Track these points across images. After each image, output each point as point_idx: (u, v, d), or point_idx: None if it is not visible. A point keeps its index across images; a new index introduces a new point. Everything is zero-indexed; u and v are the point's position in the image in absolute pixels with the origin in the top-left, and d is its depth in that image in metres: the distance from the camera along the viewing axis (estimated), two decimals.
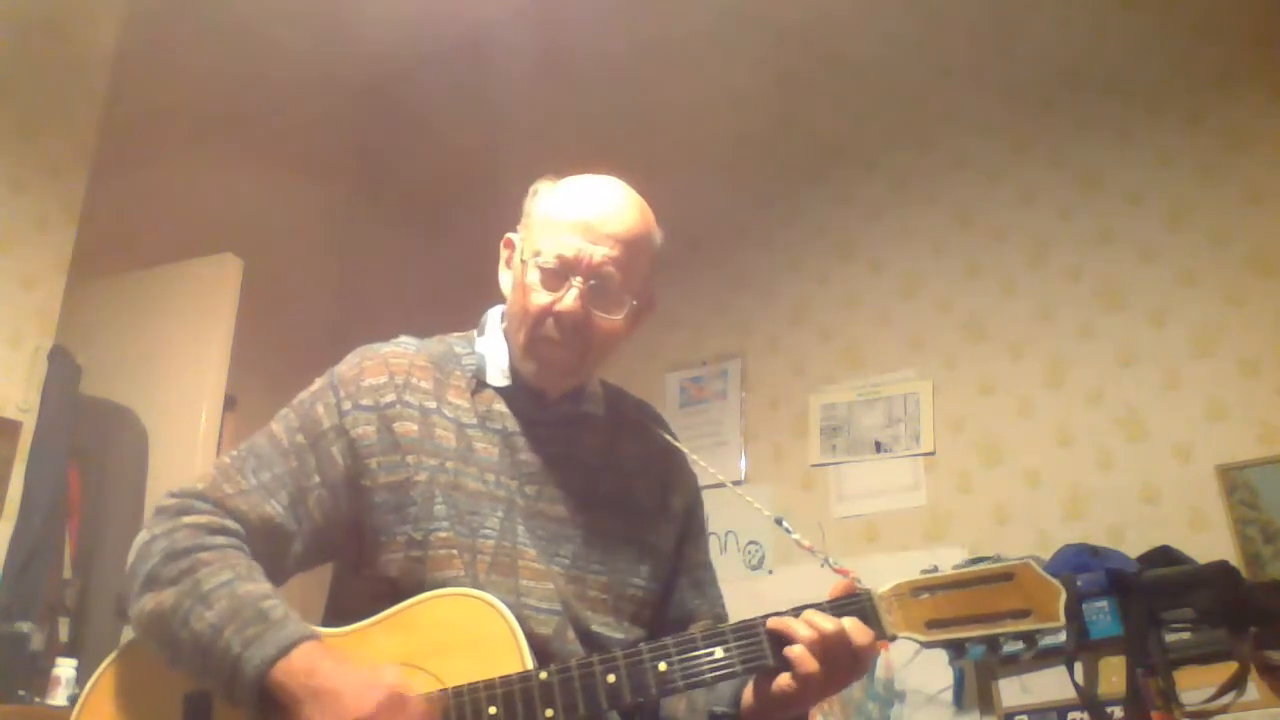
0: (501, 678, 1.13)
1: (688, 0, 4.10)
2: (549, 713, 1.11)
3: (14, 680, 2.69)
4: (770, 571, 3.43)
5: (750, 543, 3.48)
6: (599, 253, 1.27)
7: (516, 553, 1.25)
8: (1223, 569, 2.54)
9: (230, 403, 3.43)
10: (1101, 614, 2.57)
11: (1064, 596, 1.11)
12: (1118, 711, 2.48)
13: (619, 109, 4.30)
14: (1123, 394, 3.08)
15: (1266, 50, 3.12)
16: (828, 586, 1.19)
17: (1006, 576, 1.13)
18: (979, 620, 1.12)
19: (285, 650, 1.10)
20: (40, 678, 2.75)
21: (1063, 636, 2.51)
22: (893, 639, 1.13)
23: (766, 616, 1.15)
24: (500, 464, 1.30)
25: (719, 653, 1.13)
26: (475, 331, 1.41)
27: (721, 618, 1.39)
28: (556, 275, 1.27)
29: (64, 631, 3.00)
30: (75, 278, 3.12)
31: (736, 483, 3.54)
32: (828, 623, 1.12)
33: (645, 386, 3.53)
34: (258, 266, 3.54)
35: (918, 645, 1.14)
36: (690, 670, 1.13)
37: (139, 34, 3.50)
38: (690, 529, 1.44)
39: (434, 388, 1.32)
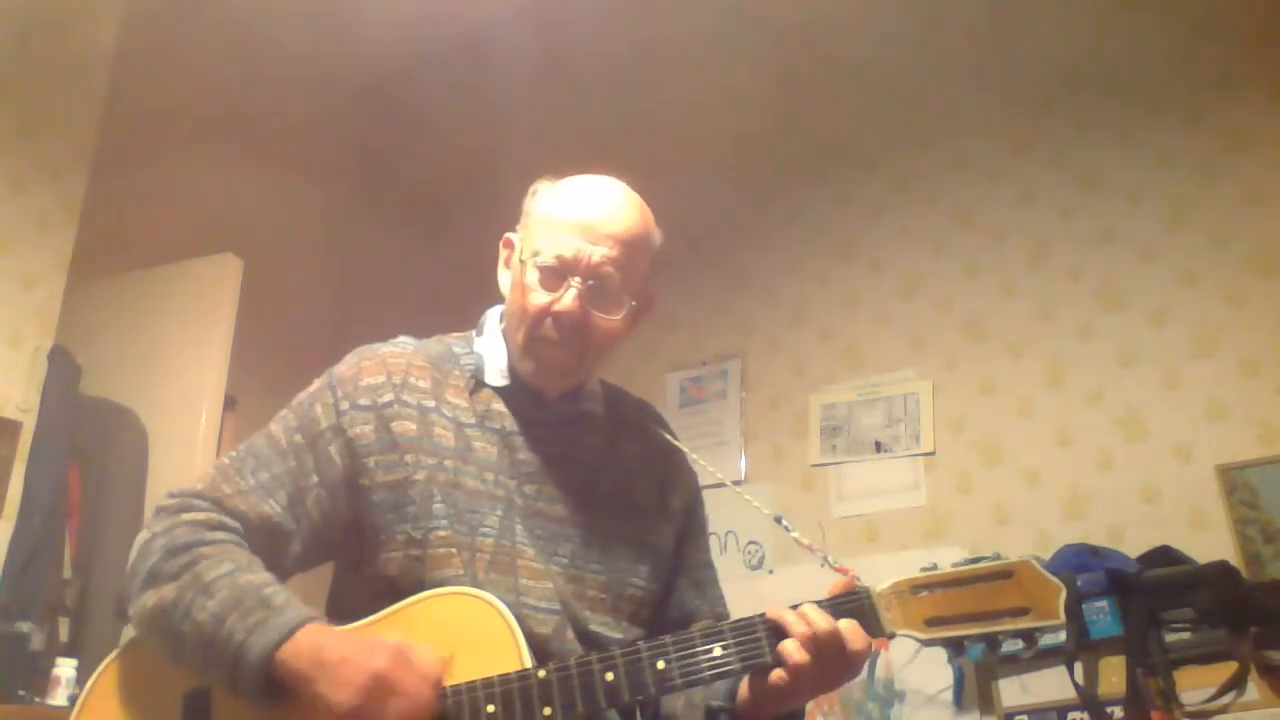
0: (500, 676, 1.13)
1: (688, 0, 4.10)
2: (547, 711, 1.11)
3: (14, 680, 2.69)
4: (770, 571, 3.43)
5: (750, 543, 3.48)
6: (598, 253, 1.27)
7: (515, 552, 1.25)
8: (1223, 569, 2.55)
9: (230, 403, 3.43)
10: (1101, 614, 2.57)
11: (1064, 594, 1.11)
12: (1118, 711, 2.49)
13: (619, 109, 4.31)
14: (1123, 394, 3.08)
15: (1266, 50, 3.12)
16: (828, 586, 1.19)
17: (1006, 574, 1.12)
18: (978, 618, 1.11)
19: (289, 633, 1.11)
20: (40, 678, 2.75)
21: (1063, 636, 2.51)
22: (891, 637, 1.13)
23: (764, 614, 1.15)
24: (499, 463, 1.30)
25: (717, 650, 1.13)
26: (474, 331, 1.41)
27: (722, 617, 1.39)
28: (555, 275, 1.28)
29: (64, 631, 3.00)
30: (75, 278, 3.13)
31: (736, 483, 3.55)
32: (822, 620, 1.12)
33: (645, 386, 3.53)
34: (258, 266, 3.53)
35: (917, 643, 1.14)
36: (688, 668, 1.13)
37: (139, 34, 3.50)
38: (690, 528, 1.44)
39: (432, 387, 1.32)
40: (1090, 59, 3.43)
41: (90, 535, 3.07)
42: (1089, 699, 2.52)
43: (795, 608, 1.14)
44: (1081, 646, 2.55)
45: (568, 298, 1.27)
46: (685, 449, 1.44)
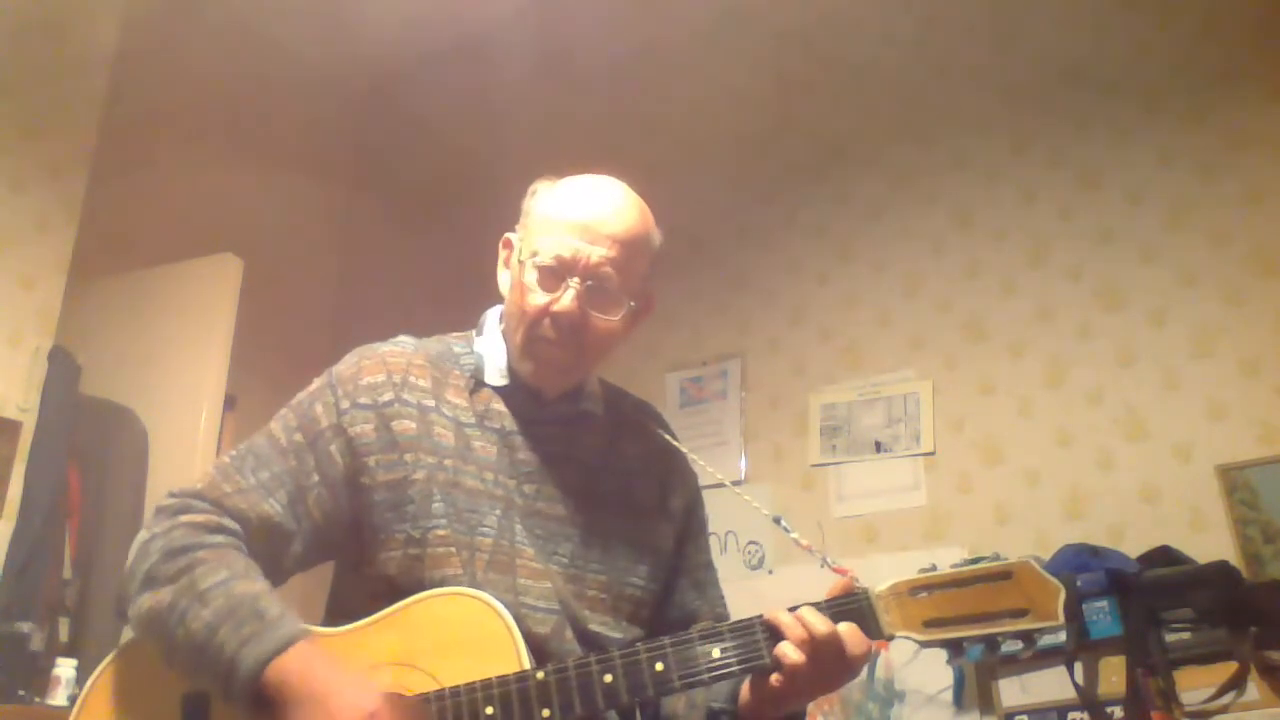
0: (498, 678, 1.12)
1: (688, 1, 4.11)
2: (546, 713, 1.11)
3: (14, 680, 2.69)
4: (770, 571, 3.43)
5: (750, 543, 3.48)
6: (597, 253, 1.27)
7: (515, 551, 1.25)
8: (1223, 569, 2.54)
9: (230, 403, 3.43)
10: (1101, 614, 2.57)
11: (1063, 595, 1.10)
12: (1118, 711, 2.48)
13: (619, 109, 4.31)
14: (1123, 394, 3.08)
15: (1266, 50, 3.12)
16: (827, 587, 1.18)
17: (1005, 575, 1.12)
18: (977, 619, 1.11)
19: (280, 649, 1.10)
20: (40, 678, 2.75)
21: (1063, 636, 2.51)
22: (890, 638, 1.13)
23: (761, 616, 1.15)
24: (498, 463, 1.30)
25: (716, 652, 1.13)
26: (474, 331, 1.41)
27: (722, 618, 1.39)
28: (554, 275, 1.27)
29: (64, 631, 3.00)
30: (75, 278, 3.13)
31: (736, 483, 3.54)
32: (819, 623, 1.11)
33: (645, 386, 3.52)
34: (258, 266, 3.53)
35: (916, 645, 1.13)
36: (686, 670, 1.12)
37: (139, 34, 3.50)
38: (690, 529, 1.44)
39: (432, 386, 1.32)
40: (1090, 59, 3.43)
41: (90, 535, 3.07)
42: (1089, 699, 2.52)
43: (793, 610, 1.14)
44: (1081, 646, 2.55)
45: (566, 298, 1.27)
46: (685, 449, 1.44)
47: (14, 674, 2.70)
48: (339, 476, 1.26)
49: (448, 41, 4.39)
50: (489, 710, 1.11)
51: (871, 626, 1.13)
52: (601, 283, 1.28)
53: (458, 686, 1.13)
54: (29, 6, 3.11)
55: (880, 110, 3.80)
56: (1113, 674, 2.52)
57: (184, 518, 1.21)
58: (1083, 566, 2.69)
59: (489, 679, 1.12)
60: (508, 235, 1.38)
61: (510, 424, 1.32)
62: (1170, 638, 2.50)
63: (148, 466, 3.19)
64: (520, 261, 1.31)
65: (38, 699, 2.69)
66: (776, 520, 1.38)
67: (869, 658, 1.14)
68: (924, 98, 3.71)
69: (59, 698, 2.66)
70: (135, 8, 3.45)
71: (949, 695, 2.96)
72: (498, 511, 1.27)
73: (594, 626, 1.27)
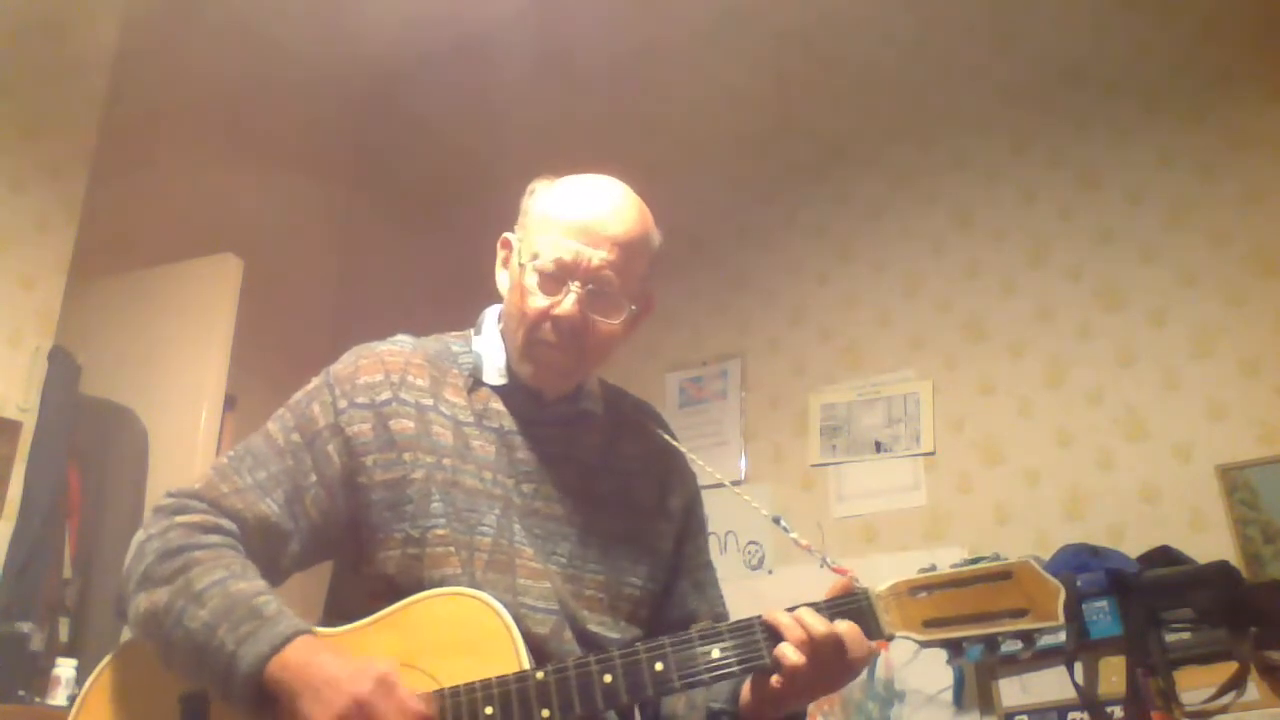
0: (498, 678, 1.12)
1: (688, 1, 4.11)
2: (545, 713, 1.10)
3: (14, 680, 2.69)
4: (770, 571, 3.43)
5: (750, 543, 3.48)
6: (597, 256, 1.27)
7: (514, 551, 1.25)
8: (1223, 569, 2.54)
9: (230, 403, 3.43)
10: (1101, 614, 2.57)
11: (1063, 595, 1.10)
12: (1118, 711, 2.48)
13: (619, 109, 4.31)
14: (1123, 394, 3.08)
15: (1266, 50, 3.12)
16: (828, 587, 1.18)
17: (1005, 575, 1.11)
18: (977, 619, 1.10)
19: (279, 646, 1.10)
20: (40, 678, 2.75)
21: (1063, 636, 2.51)
22: (890, 638, 1.12)
23: (760, 616, 1.14)
24: (497, 462, 1.29)
25: (715, 652, 1.13)
26: (472, 331, 1.41)
27: (722, 618, 1.39)
28: (554, 279, 1.27)
29: (64, 631, 3.00)
30: (75, 278, 3.13)
31: (736, 482, 3.54)
32: (819, 623, 1.11)
33: (645, 386, 3.52)
34: (258, 266, 3.53)
35: (916, 645, 1.13)
36: (686, 670, 1.12)
37: (139, 34, 3.50)
38: (689, 528, 1.43)
39: (430, 385, 1.32)
40: (1090, 59, 3.43)
41: (90, 535, 3.07)
42: (1089, 699, 2.51)
43: (792, 610, 1.14)
44: (1081, 646, 2.55)
45: (567, 302, 1.26)
46: (684, 449, 1.44)
47: (14, 674, 2.70)
48: (336, 476, 1.26)
49: (448, 41, 4.39)
50: (488, 710, 1.11)
51: (871, 626, 1.13)
52: (602, 286, 1.27)
53: (457, 686, 1.13)
54: (29, 6, 3.11)
55: (880, 110, 3.80)
56: (1113, 674, 2.52)
57: (180, 518, 1.21)
58: (1083, 566, 2.69)
59: (488, 679, 1.12)
60: (506, 235, 1.38)
61: (509, 423, 1.32)
62: (1170, 638, 2.49)
63: (148, 466, 3.19)
64: (520, 264, 1.30)
65: (38, 699, 2.69)
66: (776, 520, 1.38)
67: (869, 659, 1.14)
68: (924, 98, 3.71)
69: (59, 698, 2.66)
70: (135, 8, 3.45)
71: (949, 695, 2.96)
72: (496, 511, 1.27)
73: (593, 626, 1.27)
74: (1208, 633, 2.46)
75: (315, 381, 1.33)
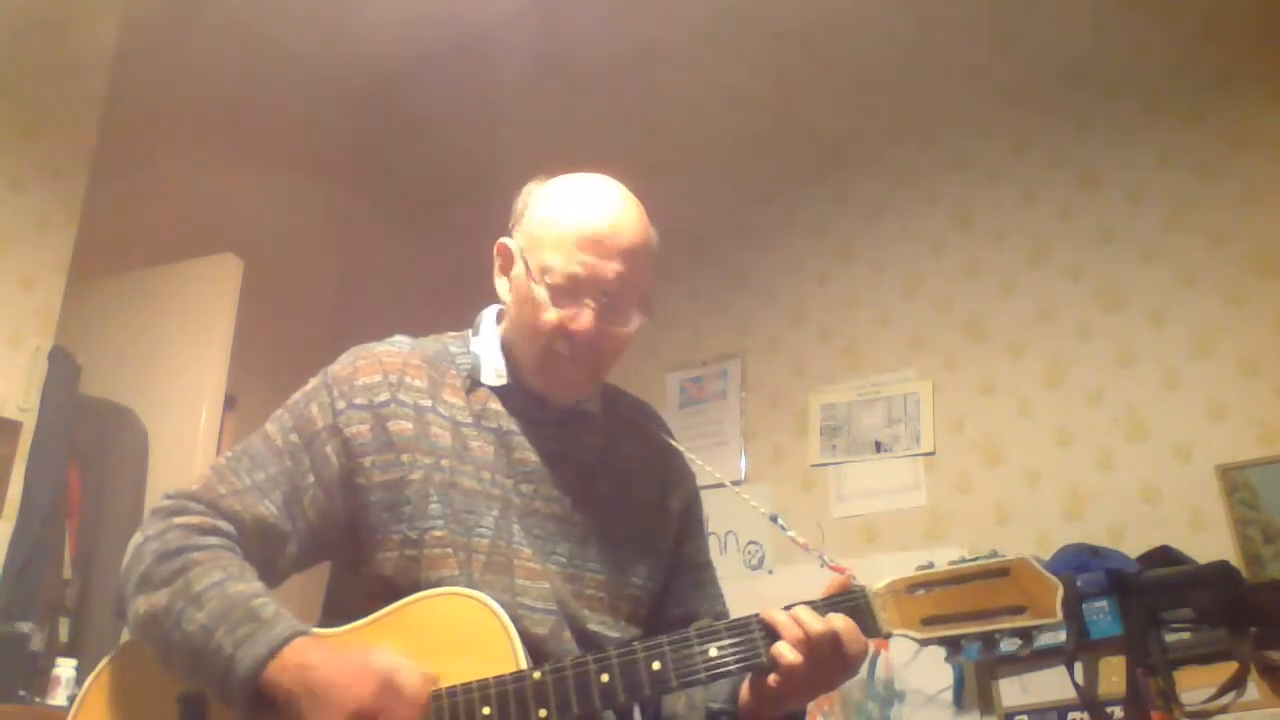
0: (495, 678, 1.12)
1: (688, 1, 4.11)
2: (543, 713, 1.10)
3: (14, 680, 2.69)
4: (770, 571, 3.43)
5: (750, 543, 3.48)
6: (610, 269, 1.25)
7: (512, 552, 1.25)
8: (1223, 569, 2.54)
9: (230, 403, 3.43)
10: (1101, 614, 2.56)
11: (1061, 592, 1.09)
12: (1118, 711, 2.48)
13: (619, 109, 4.31)
14: (1123, 394, 3.08)
15: (1266, 50, 3.12)
16: (827, 586, 1.18)
17: (1003, 572, 1.11)
18: (975, 617, 1.10)
19: (277, 648, 1.10)
20: (40, 678, 2.75)
21: (1063, 636, 2.51)
22: (887, 636, 1.12)
23: (758, 615, 1.14)
24: (496, 463, 1.29)
25: (713, 651, 1.13)
26: (470, 331, 1.41)
27: (721, 617, 1.38)
28: (567, 293, 1.26)
29: (64, 631, 3.00)
30: (75, 278, 3.13)
31: (736, 483, 3.54)
32: (816, 622, 1.11)
33: (645, 386, 3.52)
34: (258, 266, 3.53)
35: (914, 643, 1.13)
36: (684, 669, 1.12)
37: (139, 34, 3.50)
38: (689, 528, 1.43)
39: (428, 386, 1.31)
40: (1090, 59, 3.43)
41: (90, 535, 3.07)
42: (1089, 699, 2.51)
43: (789, 608, 1.14)
44: (1081, 646, 2.55)
45: (584, 318, 1.25)
46: (682, 449, 1.44)
47: (14, 674, 2.70)
48: (334, 477, 1.26)
49: (448, 41, 4.39)
50: (485, 711, 1.11)
51: (869, 624, 1.12)
52: (615, 299, 1.27)
53: (454, 687, 1.13)
54: (29, 6, 3.11)
55: (880, 110, 3.80)
56: (1113, 674, 2.52)
57: (178, 520, 1.21)
58: (1082, 566, 2.69)
59: (486, 679, 1.12)
60: (504, 242, 1.35)
61: (508, 423, 1.32)
62: (1170, 638, 2.49)
63: (148, 466, 3.19)
64: (529, 277, 1.28)
65: (38, 699, 2.69)
66: (773, 519, 1.38)
67: (866, 657, 1.14)
68: (924, 98, 3.71)
69: (59, 698, 2.65)
70: (135, 8, 3.45)
71: (949, 695, 2.96)
72: (495, 512, 1.26)
73: (593, 626, 1.27)
74: (1208, 633, 2.46)
75: (313, 382, 1.33)
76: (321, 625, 1.23)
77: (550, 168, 1.39)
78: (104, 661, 1.27)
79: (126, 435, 3.22)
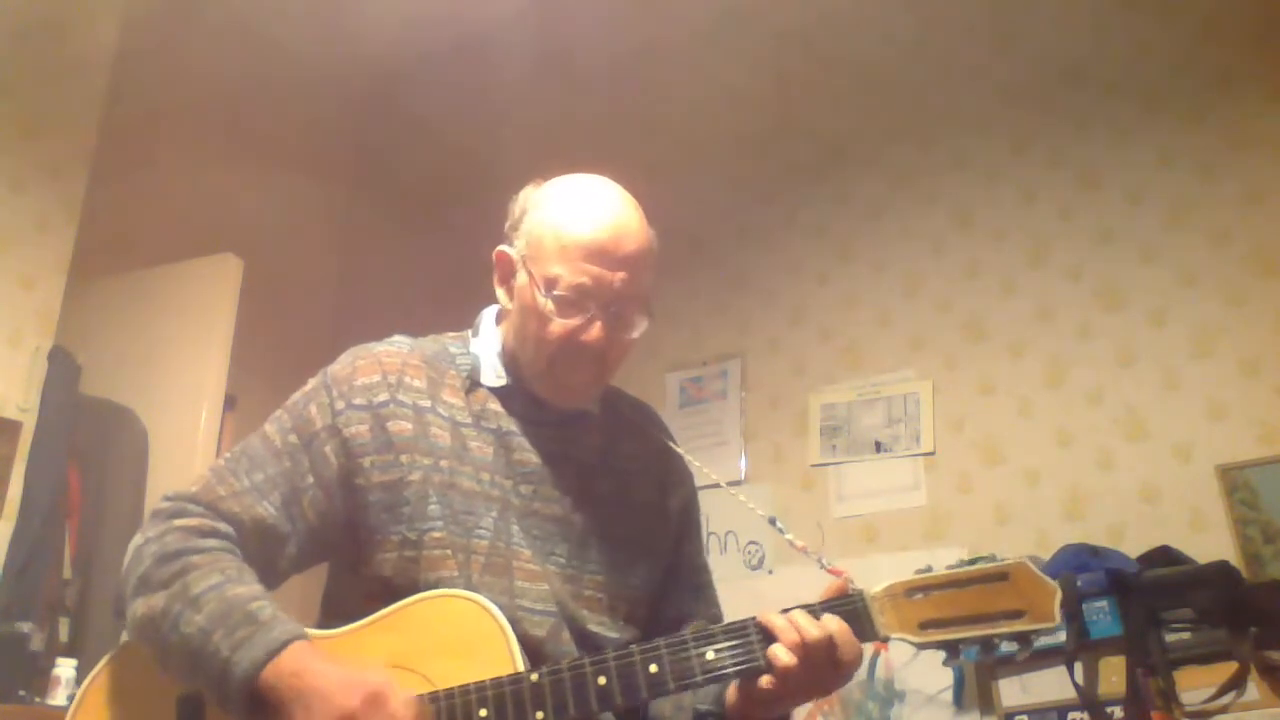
0: (492, 679, 1.12)
1: (688, 1, 4.10)
2: (539, 715, 1.10)
3: (14, 680, 2.69)
4: (770, 572, 3.43)
5: (750, 543, 3.48)
6: (617, 278, 1.25)
7: (511, 553, 1.25)
8: (1223, 569, 2.54)
9: (230, 403, 3.43)
10: (1101, 614, 2.56)
11: (1059, 596, 1.09)
12: (1118, 711, 2.48)
13: (619, 109, 4.31)
14: (1123, 394, 3.08)
15: (1266, 50, 3.12)
16: (827, 586, 1.18)
17: (1001, 576, 1.11)
18: (973, 621, 1.10)
19: (274, 652, 1.10)
20: (40, 678, 2.75)
21: (1063, 636, 2.51)
22: (885, 640, 1.12)
23: (755, 618, 1.14)
24: (495, 463, 1.29)
25: (710, 654, 1.13)
26: (470, 332, 1.40)
27: (717, 619, 1.39)
28: (573, 304, 1.25)
29: (64, 631, 3.00)
30: (75, 278, 3.13)
31: (736, 483, 3.55)
32: (812, 626, 1.11)
33: (645, 386, 3.53)
34: (258, 266, 3.53)
35: (914, 647, 1.13)
36: (681, 671, 1.12)
37: (139, 34, 3.50)
38: (687, 529, 1.44)
39: (427, 386, 1.31)
40: (1090, 59, 3.43)
41: (90, 535, 3.07)
42: (1089, 699, 2.51)
43: (787, 612, 1.14)
44: (1081, 646, 2.54)
45: (594, 330, 1.25)
46: (681, 450, 1.44)
47: (14, 674, 2.70)
48: (333, 478, 1.26)
49: (448, 41, 4.39)
50: (483, 712, 1.11)
51: (866, 628, 1.12)
52: (622, 307, 1.27)
53: (452, 688, 1.13)
54: (29, 6, 3.11)
55: (880, 110, 3.80)
56: (1113, 674, 2.51)
57: (178, 522, 1.21)
58: (1082, 566, 2.68)
59: (483, 681, 1.12)
60: (503, 250, 1.33)
61: (507, 424, 1.31)
62: (1170, 638, 2.49)
63: (148, 466, 3.19)
64: (532, 287, 1.26)
65: (38, 699, 2.69)
66: (771, 521, 1.38)
67: (861, 661, 1.14)
68: (924, 98, 3.71)
69: (59, 698, 2.66)
70: (135, 8, 3.45)
71: (949, 695, 2.96)
72: (494, 513, 1.26)
73: (592, 627, 1.27)
74: (1208, 633, 2.45)
75: (312, 383, 1.33)
76: (320, 626, 1.24)
77: (550, 168, 1.38)
78: (102, 662, 1.27)
79: (126, 435, 3.22)
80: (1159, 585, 2.55)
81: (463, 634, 1.15)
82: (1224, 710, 2.36)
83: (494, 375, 1.34)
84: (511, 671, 1.13)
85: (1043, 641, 2.57)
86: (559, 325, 1.25)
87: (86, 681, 1.26)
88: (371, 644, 1.18)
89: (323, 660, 1.11)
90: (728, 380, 3.79)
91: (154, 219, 3.75)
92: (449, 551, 1.23)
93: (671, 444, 1.43)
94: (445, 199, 4.50)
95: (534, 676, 1.12)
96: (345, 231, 4.75)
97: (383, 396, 1.29)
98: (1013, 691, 2.72)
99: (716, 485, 1.55)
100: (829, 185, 3.81)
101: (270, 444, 1.28)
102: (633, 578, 1.33)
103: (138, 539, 1.22)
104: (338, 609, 1.27)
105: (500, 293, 1.35)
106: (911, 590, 1.12)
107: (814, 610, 1.14)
